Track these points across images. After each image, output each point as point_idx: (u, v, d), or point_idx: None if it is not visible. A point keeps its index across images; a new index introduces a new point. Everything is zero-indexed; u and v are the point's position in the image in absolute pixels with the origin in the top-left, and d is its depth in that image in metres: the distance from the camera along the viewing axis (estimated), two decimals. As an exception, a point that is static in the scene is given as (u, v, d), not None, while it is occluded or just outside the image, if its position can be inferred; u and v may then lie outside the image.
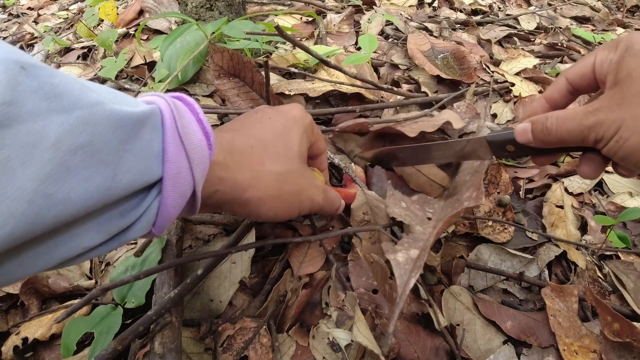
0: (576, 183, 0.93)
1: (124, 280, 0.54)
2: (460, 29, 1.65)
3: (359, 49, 1.40)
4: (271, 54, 1.26)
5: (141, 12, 1.81)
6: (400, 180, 0.91)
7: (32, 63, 0.26)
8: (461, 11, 1.91)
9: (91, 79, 1.31)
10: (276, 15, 1.55)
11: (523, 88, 1.23)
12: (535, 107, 0.52)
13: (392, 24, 1.58)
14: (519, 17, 1.82)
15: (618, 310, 0.66)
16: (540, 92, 1.24)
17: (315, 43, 1.43)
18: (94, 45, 1.54)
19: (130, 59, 1.33)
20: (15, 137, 0.24)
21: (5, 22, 2.13)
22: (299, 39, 1.42)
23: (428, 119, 0.95)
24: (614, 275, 0.75)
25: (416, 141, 0.87)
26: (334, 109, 1.02)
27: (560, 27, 1.78)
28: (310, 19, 1.59)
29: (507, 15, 1.89)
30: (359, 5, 1.76)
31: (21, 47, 1.72)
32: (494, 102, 1.18)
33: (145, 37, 1.58)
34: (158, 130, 0.34)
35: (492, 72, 1.30)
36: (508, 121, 1.12)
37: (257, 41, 1.04)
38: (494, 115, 1.13)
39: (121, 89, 1.23)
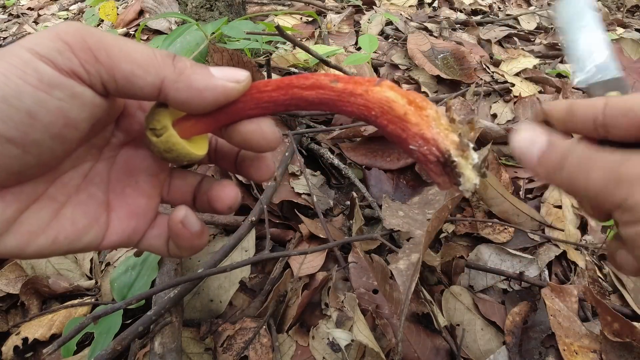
0: (576, 183, 0.93)
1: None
2: (460, 29, 1.65)
3: (359, 49, 1.40)
4: (271, 54, 1.26)
5: (141, 13, 1.81)
6: (401, 182, 0.91)
7: None
8: (461, 11, 1.91)
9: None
10: (276, 15, 1.55)
11: (523, 88, 1.23)
12: None
13: (392, 24, 1.58)
14: (519, 17, 1.82)
15: (618, 310, 0.66)
16: (540, 92, 1.24)
17: (316, 43, 1.43)
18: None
19: (131, 59, 1.33)
20: None
21: (5, 22, 2.13)
22: (299, 39, 1.42)
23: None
24: (614, 275, 0.75)
25: None
26: (334, 109, 1.02)
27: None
28: (310, 19, 1.59)
29: (507, 15, 1.89)
30: (359, 5, 1.77)
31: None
32: (494, 102, 1.18)
33: (145, 37, 1.58)
34: None
35: (492, 72, 1.30)
36: (508, 121, 1.12)
37: (257, 41, 1.04)
38: (494, 116, 1.14)
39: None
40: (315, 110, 0.29)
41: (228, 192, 0.32)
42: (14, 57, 0.24)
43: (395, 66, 1.30)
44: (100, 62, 0.25)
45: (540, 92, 1.24)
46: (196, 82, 0.27)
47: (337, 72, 1.12)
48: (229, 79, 0.28)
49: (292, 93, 0.28)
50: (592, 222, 0.84)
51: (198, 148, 0.31)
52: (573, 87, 1.27)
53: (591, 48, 0.41)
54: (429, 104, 0.27)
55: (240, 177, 0.87)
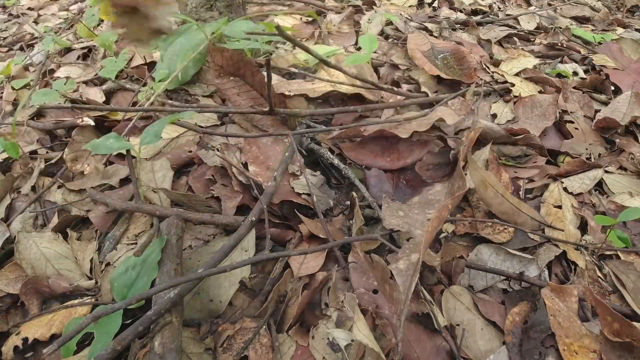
0: (576, 183, 0.93)
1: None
2: (460, 29, 1.65)
3: (359, 49, 1.40)
4: (271, 54, 1.26)
5: (141, 12, 1.81)
6: (401, 182, 0.91)
7: None
8: (461, 11, 1.91)
9: (92, 79, 1.31)
10: (276, 15, 1.55)
11: (523, 88, 1.23)
12: None
13: (392, 24, 1.58)
14: (519, 17, 1.82)
15: (618, 310, 0.66)
16: (540, 92, 1.24)
17: (316, 43, 1.43)
18: (94, 46, 1.54)
19: (131, 59, 1.33)
20: None
21: (5, 22, 2.13)
22: (299, 39, 1.42)
23: (422, 118, 0.95)
24: (614, 275, 0.75)
25: (409, 141, 0.87)
26: (334, 109, 1.02)
27: (560, 27, 1.78)
28: (310, 19, 1.59)
29: (507, 15, 1.89)
30: (359, 5, 1.77)
31: (21, 48, 1.72)
32: (494, 102, 1.18)
33: (145, 37, 1.58)
34: None
35: (492, 72, 1.30)
36: (508, 121, 1.12)
37: (257, 41, 1.04)
38: (494, 116, 1.13)
39: (122, 88, 1.23)
40: None
41: None
42: None
43: (395, 66, 1.30)
44: None
45: (540, 92, 1.24)
46: None
47: (337, 72, 1.12)
48: None
49: None
50: (592, 222, 0.84)
51: None
52: (573, 88, 1.27)
53: None
54: None
55: (240, 177, 0.87)
